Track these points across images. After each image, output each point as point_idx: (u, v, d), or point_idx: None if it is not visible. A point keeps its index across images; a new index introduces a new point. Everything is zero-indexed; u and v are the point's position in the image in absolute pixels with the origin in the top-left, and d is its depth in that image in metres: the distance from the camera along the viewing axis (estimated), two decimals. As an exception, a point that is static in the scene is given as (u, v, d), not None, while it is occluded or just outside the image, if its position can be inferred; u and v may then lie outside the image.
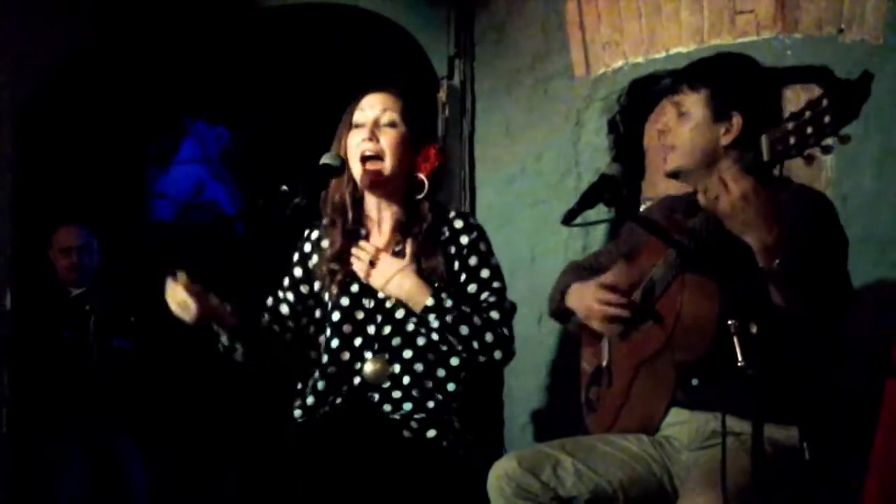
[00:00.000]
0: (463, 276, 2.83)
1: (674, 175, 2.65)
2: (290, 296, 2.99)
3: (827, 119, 2.04)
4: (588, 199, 2.43)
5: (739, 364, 2.06)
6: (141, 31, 4.94)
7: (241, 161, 6.81)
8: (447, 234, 2.86)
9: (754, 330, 2.07)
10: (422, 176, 2.88)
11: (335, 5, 4.67)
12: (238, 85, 6.04)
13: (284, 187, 2.69)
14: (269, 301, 3.01)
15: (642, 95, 3.95)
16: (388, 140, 2.83)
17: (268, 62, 5.78)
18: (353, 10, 4.62)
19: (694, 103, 2.58)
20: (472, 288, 2.83)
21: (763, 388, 2.08)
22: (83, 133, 5.40)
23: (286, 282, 3.01)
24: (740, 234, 2.22)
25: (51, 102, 5.00)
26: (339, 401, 2.80)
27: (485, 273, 2.85)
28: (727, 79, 2.58)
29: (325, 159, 2.82)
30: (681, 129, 2.59)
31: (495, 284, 2.86)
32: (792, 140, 2.10)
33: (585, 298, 2.70)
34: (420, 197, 2.87)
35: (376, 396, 2.77)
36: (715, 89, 2.56)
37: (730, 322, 2.08)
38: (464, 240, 2.85)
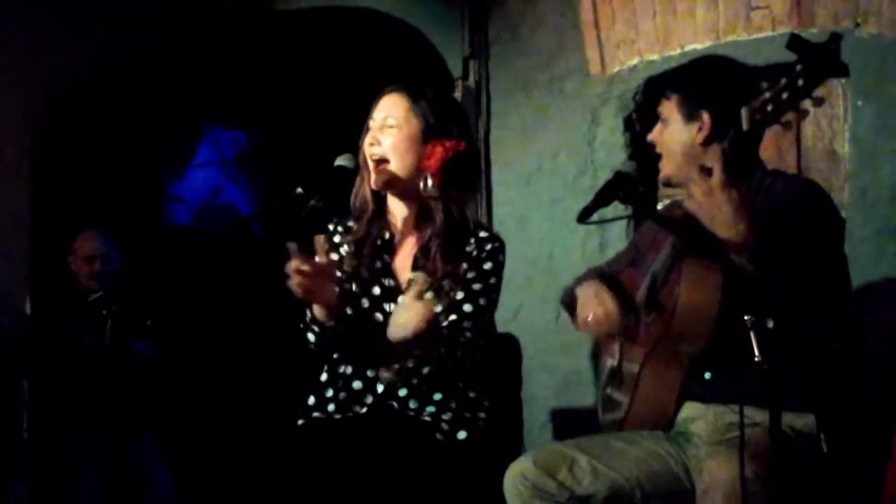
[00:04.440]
0: (472, 274, 2.80)
1: (666, 183, 2.71)
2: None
3: (800, 83, 2.09)
4: (603, 197, 2.46)
5: (756, 359, 2.06)
6: (157, 36, 4.97)
7: (257, 164, 6.83)
8: (473, 244, 2.84)
9: (770, 325, 2.08)
10: (426, 172, 2.86)
11: (350, 8, 4.68)
12: (253, 88, 6.05)
13: (300, 189, 2.70)
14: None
15: (658, 93, 3.94)
16: (388, 142, 2.83)
17: (283, 65, 5.80)
18: (367, 13, 4.63)
19: (669, 109, 2.66)
20: (476, 286, 2.80)
21: (780, 380, 2.09)
22: (100, 138, 5.43)
23: None
24: (710, 228, 2.27)
25: (68, 110, 5.02)
26: (363, 410, 2.79)
27: (492, 280, 2.83)
28: (694, 80, 2.66)
29: (340, 161, 2.83)
30: (663, 136, 2.68)
31: (493, 295, 2.84)
32: (769, 107, 2.14)
33: (586, 300, 2.70)
34: (429, 194, 2.85)
35: (396, 405, 2.77)
36: (684, 93, 2.63)
37: (746, 317, 2.09)
38: (487, 246, 2.84)
